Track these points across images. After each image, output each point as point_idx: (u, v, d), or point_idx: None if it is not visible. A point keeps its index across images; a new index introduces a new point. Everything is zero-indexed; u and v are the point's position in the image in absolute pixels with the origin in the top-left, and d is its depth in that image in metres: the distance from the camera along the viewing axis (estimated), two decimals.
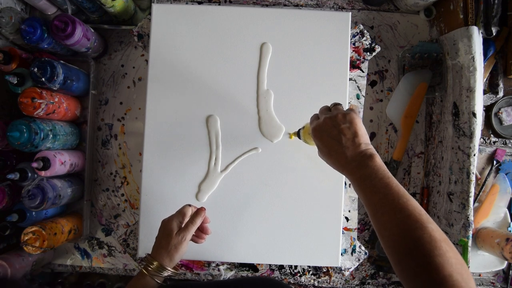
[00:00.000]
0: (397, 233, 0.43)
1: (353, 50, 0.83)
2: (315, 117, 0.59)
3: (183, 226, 0.64)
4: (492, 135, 0.87)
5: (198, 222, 0.65)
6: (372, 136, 0.91)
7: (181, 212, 0.66)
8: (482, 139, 0.86)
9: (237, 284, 0.65)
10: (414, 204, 0.44)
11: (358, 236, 0.89)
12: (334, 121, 0.53)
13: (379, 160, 0.50)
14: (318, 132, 0.55)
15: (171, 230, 0.63)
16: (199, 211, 0.66)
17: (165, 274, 0.62)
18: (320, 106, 0.79)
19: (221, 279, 0.83)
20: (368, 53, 0.83)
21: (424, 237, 0.41)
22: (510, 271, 0.87)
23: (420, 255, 0.40)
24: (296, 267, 0.84)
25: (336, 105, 0.58)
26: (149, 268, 0.61)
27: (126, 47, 0.92)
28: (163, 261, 0.61)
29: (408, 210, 0.43)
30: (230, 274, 0.84)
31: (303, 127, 0.70)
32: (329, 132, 0.53)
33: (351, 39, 0.81)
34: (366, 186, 0.48)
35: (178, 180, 0.79)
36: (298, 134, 0.72)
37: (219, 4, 0.90)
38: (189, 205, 0.67)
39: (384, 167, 0.49)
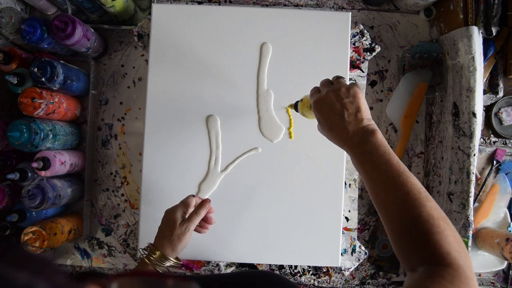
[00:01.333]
0: (396, 211, 0.43)
1: (353, 50, 0.83)
2: (316, 90, 0.57)
3: (187, 216, 0.63)
4: (492, 135, 0.87)
5: (202, 214, 0.64)
6: None
7: (185, 203, 0.65)
8: (482, 139, 0.86)
9: (237, 277, 0.65)
10: (414, 181, 0.44)
11: (358, 236, 0.89)
12: (337, 95, 0.52)
13: (380, 136, 0.49)
14: (320, 105, 0.53)
15: (174, 220, 0.62)
16: (204, 203, 0.65)
17: (167, 264, 0.61)
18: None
19: None
20: (368, 53, 0.83)
21: (422, 215, 0.41)
22: (510, 271, 0.87)
23: (419, 233, 0.40)
24: (296, 267, 0.84)
25: (339, 78, 0.56)
26: (152, 258, 0.60)
27: (126, 47, 0.92)
28: (166, 251, 0.61)
29: (407, 188, 0.43)
30: (229, 271, 0.84)
31: (301, 100, 0.68)
32: (331, 106, 0.52)
33: (351, 39, 0.81)
34: (366, 161, 0.48)
35: (178, 180, 0.79)
36: (295, 106, 0.70)
37: (219, 4, 0.90)
38: (193, 196, 0.66)
39: (385, 143, 0.48)
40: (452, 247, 0.39)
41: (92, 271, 0.61)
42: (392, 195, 0.44)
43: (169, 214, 0.64)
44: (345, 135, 0.50)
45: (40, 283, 0.20)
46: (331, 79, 0.57)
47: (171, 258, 0.61)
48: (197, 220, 0.63)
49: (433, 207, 0.42)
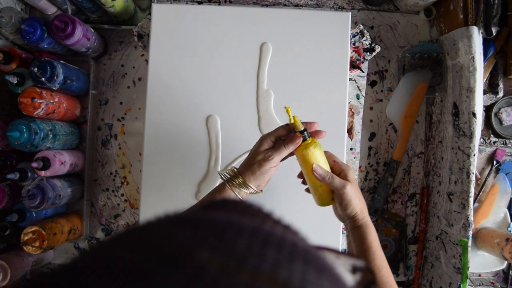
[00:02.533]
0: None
1: (353, 50, 0.83)
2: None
3: (276, 145, 0.58)
4: (492, 135, 0.87)
5: (290, 149, 0.57)
6: (372, 136, 0.91)
7: (277, 130, 0.59)
8: (482, 139, 0.86)
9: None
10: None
11: None
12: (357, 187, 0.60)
13: None
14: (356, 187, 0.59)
15: (259, 145, 0.58)
16: (294, 138, 0.57)
17: (247, 191, 0.58)
18: (319, 106, 0.79)
19: None
20: (368, 53, 0.83)
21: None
22: (510, 271, 0.87)
23: None
24: None
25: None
26: (233, 182, 0.57)
27: (126, 47, 0.92)
28: (246, 177, 0.57)
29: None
30: None
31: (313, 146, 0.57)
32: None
33: (351, 39, 0.81)
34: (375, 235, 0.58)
35: (178, 180, 0.78)
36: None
37: (219, 4, 0.90)
38: (288, 124, 0.59)
39: None
40: None
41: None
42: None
43: (258, 142, 0.59)
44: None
45: None
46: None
47: (251, 186, 0.57)
48: (283, 153, 0.57)
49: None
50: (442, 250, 0.81)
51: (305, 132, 0.57)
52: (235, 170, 0.60)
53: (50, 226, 0.77)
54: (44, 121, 0.77)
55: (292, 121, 0.57)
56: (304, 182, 0.62)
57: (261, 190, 0.60)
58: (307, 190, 0.62)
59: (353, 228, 0.58)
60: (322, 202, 0.60)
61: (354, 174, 0.60)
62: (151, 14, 0.79)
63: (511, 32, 0.82)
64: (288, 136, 0.58)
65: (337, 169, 0.59)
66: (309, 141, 0.58)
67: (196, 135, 0.79)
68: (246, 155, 0.78)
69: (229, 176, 0.59)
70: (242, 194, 0.58)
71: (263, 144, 0.58)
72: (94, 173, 0.91)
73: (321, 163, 0.57)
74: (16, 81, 0.75)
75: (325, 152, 0.60)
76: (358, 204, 0.57)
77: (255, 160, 0.57)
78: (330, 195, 0.59)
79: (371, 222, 0.58)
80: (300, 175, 0.63)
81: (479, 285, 0.87)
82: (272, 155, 0.57)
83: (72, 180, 0.85)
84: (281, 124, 0.79)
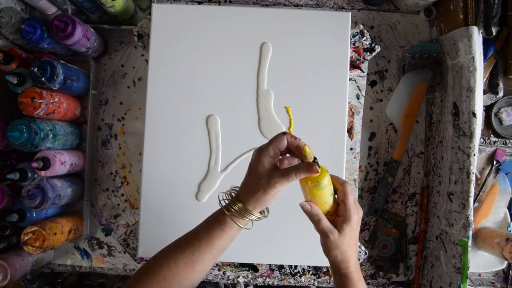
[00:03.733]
0: None
1: (353, 50, 0.83)
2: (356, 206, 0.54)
3: (283, 169, 0.51)
4: (492, 135, 0.87)
5: (301, 177, 0.51)
6: (372, 136, 0.91)
7: (274, 143, 0.51)
8: (482, 139, 0.86)
9: None
10: None
11: (358, 236, 0.89)
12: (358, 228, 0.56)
13: None
14: (358, 223, 0.55)
15: (260, 168, 0.51)
16: (309, 169, 0.49)
17: (249, 218, 0.52)
18: (320, 106, 0.79)
19: None
20: (368, 53, 0.83)
21: None
22: (510, 271, 0.87)
23: None
24: (296, 267, 0.84)
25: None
26: (232, 210, 0.51)
27: (126, 47, 0.92)
28: (249, 205, 0.51)
29: None
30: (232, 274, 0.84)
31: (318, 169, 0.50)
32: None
33: (351, 39, 0.81)
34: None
35: (178, 180, 0.79)
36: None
37: (219, 4, 0.90)
38: (285, 133, 0.52)
39: None
40: None
41: None
42: None
43: (255, 159, 0.52)
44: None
45: None
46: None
47: (254, 213, 0.52)
48: (292, 179, 0.50)
49: None
50: (442, 250, 0.81)
51: (316, 162, 0.50)
52: (235, 192, 0.54)
53: (50, 226, 0.77)
54: (44, 121, 0.77)
55: (307, 151, 0.51)
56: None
57: (267, 215, 0.55)
58: None
59: (334, 274, 0.55)
60: None
61: (355, 223, 0.53)
62: (151, 14, 0.79)
63: (511, 32, 0.82)
64: (300, 163, 0.51)
65: (341, 211, 0.53)
66: (318, 173, 0.50)
67: (196, 135, 0.79)
68: (246, 155, 0.79)
69: (228, 201, 0.53)
70: (244, 223, 0.53)
71: (263, 164, 0.51)
72: (94, 173, 0.91)
73: (322, 198, 0.52)
74: (16, 81, 0.75)
75: (341, 185, 0.53)
76: (338, 255, 0.53)
77: (259, 186, 0.51)
78: None
79: (356, 272, 0.54)
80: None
81: (479, 285, 0.88)
82: (279, 183, 0.50)
83: (72, 180, 0.85)
84: (281, 124, 0.79)
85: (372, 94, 0.91)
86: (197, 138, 0.79)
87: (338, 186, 0.53)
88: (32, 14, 0.88)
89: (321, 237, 0.53)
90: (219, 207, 0.54)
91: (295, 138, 0.52)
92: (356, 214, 0.53)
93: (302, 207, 0.52)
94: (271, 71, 0.79)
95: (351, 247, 0.53)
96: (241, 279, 0.84)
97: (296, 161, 0.55)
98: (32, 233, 0.75)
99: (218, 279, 0.84)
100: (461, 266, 0.74)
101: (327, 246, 0.53)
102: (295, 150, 0.52)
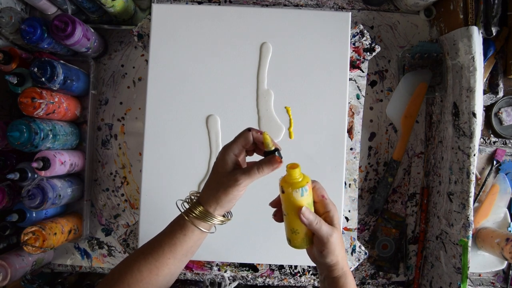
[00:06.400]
0: None
1: (353, 50, 0.83)
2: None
3: (245, 167, 0.50)
4: (492, 135, 0.87)
5: (265, 173, 0.49)
6: (372, 136, 0.91)
7: (239, 139, 0.50)
8: (482, 139, 0.86)
9: None
10: None
11: (358, 236, 0.90)
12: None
13: None
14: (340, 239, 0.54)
15: (223, 163, 0.49)
16: (272, 162, 0.48)
17: (211, 222, 0.50)
18: (320, 106, 0.79)
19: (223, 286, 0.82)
20: (368, 53, 0.83)
21: None
22: (510, 271, 0.87)
23: None
24: (296, 267, 0.84)
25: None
26: (191, 215, 0.50)
27: (126, 47, 0.92)
28: (210, 207, 0.50)
29: None
30: (233, 284, 0.84)
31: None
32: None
33: (351, 39, 0.81)
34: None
35: (178, 180, 0.79)
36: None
37: (219, 4, 0.90)
38: (250, 130, 0.50)
39: None
40: None
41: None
42: None
43: (219, 157, 0.50)
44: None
45: None
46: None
47: (216, 216, 0.50)
48: (255, 176, 0.49)
49: None
50: (442, 250, 0.81)
51: (277, 152, 0.48)
52: (197, 196, 0.52)
53: (50, 226, 0.77)
54: (44, 121, 0.77)
55: (267, 139, 0.48)
56: (277, 214, 0.53)
57: (230, 218, 0.53)
58: (277, 219, 0.54)
59: (330, 278, 0.53)
60: (296, 245, 0.52)
61: (339, 216, 0.52)
62: (151, 14, 0.79)
63: (511, 32, 0.82)
64: (262, 159, 0.49)
65: (322, 208, 0.52)
66: (300, 179, 0.47)
67: (196, 135, 0.79)
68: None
69: (188, 206, 0.52)
70: (206, 226, 0.51)
71: (226, 162, 0.49)
72: (94, 173, 0.91)
73: (310, 205, 0.49)
74: (16, 81, 0.75)
75: (314, 183, 0.51)
76: (340, 253, 0.51)
77: (219, 185, 0.49)
78: (309, 238, 0.52)
79: (349, 270, 0.54)
80: (274, 204, 0.54)
81: (479, 285, 0.88)
82: (241, 180, 0.48)
83: (72, 180, 0.85)
84: (281, 124, 0.79)
85: (372, 94, 0.91)
86: (197, 138, 0.79)
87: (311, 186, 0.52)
88: (32, 14, 0.88)
89: (320, 244, 0.51)
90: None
91: (261, 133, 0.50)
92: (335, 206, 0.53)
93: (303, 213, 0.49)
94: (271, 71, 0.79)
95: (343, 241, 0.53)
96: (226, 274, 0.83)
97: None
98: (32, 233, 0.75)
99: (211, 276, 0.84)
100: (461, 266, 0.74)
101: (329, 249, 0.50)
102: (261, 145, 0.50)
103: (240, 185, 0.49)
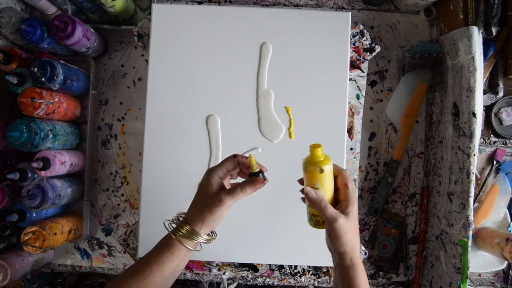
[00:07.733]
0: None
1: (353, 50, 0.83)
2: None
3: (229, 188, 0.54)
4: (492, 135, 0.87)
5: (248, 193, 0.53)
6: (372, 136, 0.91)
7: (225, 164, 0.54)
8: (482, 139, 0.86)
9: None
10: None
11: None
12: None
13: None
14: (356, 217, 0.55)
15: (207, 188, 0.53)
16: (254, 183, 0.53)
17: (197, 240, 0.53)
18: (320, 106, 0.79)
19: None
20: (368, 53, 0.83)
21: None
22: (510, 271, 0.87)
23: None
24: (296, 267, 0.84)
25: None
26: (178, 234, 0.53)
27: (126, 47, 0.92)
28: (196, 226, 0.53)
29: None
30: (229, 274, 0.84)
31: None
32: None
33: (351, 39, 0.81)
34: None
35: (178, 180, 0.79)
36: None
37: (219, 4, 0.90)
38: (235, 156, 0.55)
39: None
40: None
41: None
42: None
43: (204, 179, 0.54)
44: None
45: None
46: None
47: (202, 234, 0.53)
48: (238, 196, 0.52)
49: None
50: (442, 250, 0.81)
51: (260, 174, 0.53)
52: (182, 216, 0.55)
53: (50, 226, 0.77)
54: (44, 121, 0.77)
55: (252, 161, 0.53)
56: (303, 191, 0.55)
57: (214, 238, 0.56)
58: (303, 199, 0.56)
59: (340, 267, 0.54)
60: (314, 223, 0.55)
61: (357, 208, 0.54)
62: (151, 14, 0.79)
63: (511, 32, 0.82)
64: (246, 180, 0.53)
65: (342, 195, 0.54)
66: (322, 158, 0.51)
67: (196, 135, 0.79)
68: (246, 155, 0.78)
69: (175, 225, 0.54)
70: (192, 245, 0.54)
71: (211, 183, 0.53)
72: (94, 173, 0.91)
73: (324, 184, 0.51)
74: (16, 81, 0.75)
75: (341, 171, 0.54)
76: (348, 241, 0.52)
77: (205, 205, 0.53)
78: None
79: (361, 262, 0.54)
80: (301, 181, 0.57)
81: (479, 285, 0.88)
82: (225, 201, 0.52)
83: (72, 180, 0.85)
84: (281, 124, 0.80)
85: (372, 94, 0.91)
86: (197, 138, 0.79)
87: (338, 173, 0.55)
88: (32, 14, 0.88)
89: (327, 227, 0.52)
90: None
91: (246, 158, 0.54)
92: (357, 199, 0.54)
93: (307, 193, 0.51)
94: (271, 71, 0.79)
95: (357, 233, 0.54)
96: (225, 276, 0.83)
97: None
98: (32, 233, 0.75)
99: (210, 277, 0.84)
100: (461, 266, 0.74)
101: (336, 234, 0.51)
102: (245, 169, 0.54)
103: (225, 205, 0.52)
